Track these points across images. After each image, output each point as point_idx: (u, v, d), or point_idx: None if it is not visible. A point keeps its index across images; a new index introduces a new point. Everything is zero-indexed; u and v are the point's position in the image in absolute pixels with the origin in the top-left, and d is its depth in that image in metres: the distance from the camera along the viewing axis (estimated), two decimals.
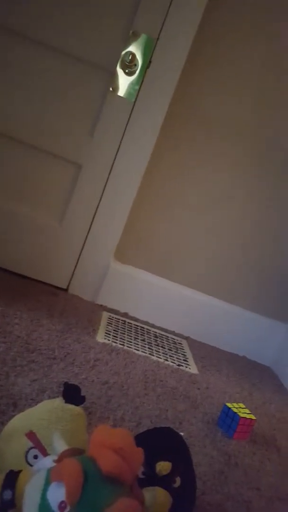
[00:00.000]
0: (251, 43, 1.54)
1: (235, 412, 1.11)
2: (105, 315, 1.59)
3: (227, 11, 1.51)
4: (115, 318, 1.60)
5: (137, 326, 1.62)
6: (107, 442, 0.44)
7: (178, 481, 0.71)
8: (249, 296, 1.75)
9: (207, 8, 1.46)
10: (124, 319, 1.63)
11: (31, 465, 0.64)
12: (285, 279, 1.75)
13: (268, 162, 1.63)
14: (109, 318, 1.58)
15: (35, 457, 0.66)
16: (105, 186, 1.58)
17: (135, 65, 1.48)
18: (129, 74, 1.49)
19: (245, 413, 1.13)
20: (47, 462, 0.48)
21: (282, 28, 1.53)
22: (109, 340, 1.38)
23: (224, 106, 1.58)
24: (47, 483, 0.43)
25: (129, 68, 1.48)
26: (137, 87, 1.50)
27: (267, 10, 1.51)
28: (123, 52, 1.47)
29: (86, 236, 1.62)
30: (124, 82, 1.50)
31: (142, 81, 1.49)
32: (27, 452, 0.66)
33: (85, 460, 0.44)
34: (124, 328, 1.54)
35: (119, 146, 1.54)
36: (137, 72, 1.49)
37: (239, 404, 1.17)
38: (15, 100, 1.51)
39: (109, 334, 1.43)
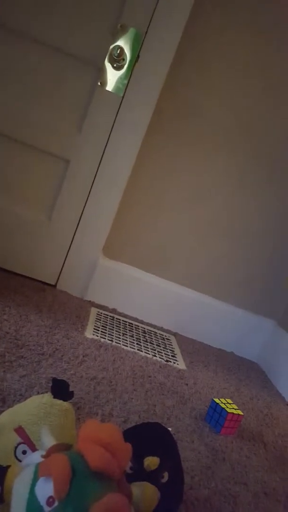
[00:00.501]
0: (239, 36, 1.54)
1: (223, 408, 1.12)
2: (93, 311, 1.59)
3: (216, 4, 1.51)
4: (104, 314, 1.60)
5: (126, 322, 1.62)
6: (95, 437, 0.44)
7: (166, 476, 0.72)
8: (237, 293, 1.77)
9: (196, 1, 1.46)
10: (112, 315, 1.63)
11: (20, 461, 0.64)
12: (272, 275, 1.76)
13: (256, 157, 1.64)
14: (97, 314, 1.58)
15: (24, 452, 0.66)
16: (93, 181, 1.57)
17: (124, 59, 1.47)
18: (118, 68, 1.48)
19: (233, 408, 1.14)
20: (35, 457, 0.48)
21: (269, 21, 1.53)
22: (97, 336, 1.38)
23: (213, 101, 1.58)
24: (35, 478, 0.43)
25: (117, 63, 1.47)
26: (125, 82, 1.49)
27: (257, 4, 1.52)
28: (111, 46, 1.46)
29: (75, 232, 1.61)
30: (112, 76, 1.49)
31: (131, 75, 1.48)
32: (16, 447, 0.66)
33: (73, 455, 0.44)
34: (113, 324, 1.54)
35: (107, 141, 1.54)
36: (126, 66, 1.48)
37: (226, 399, 1.18)
38: (1, 96, 1.49)
39: (98, 330, 1.43)
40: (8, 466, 0.52)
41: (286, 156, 1.65)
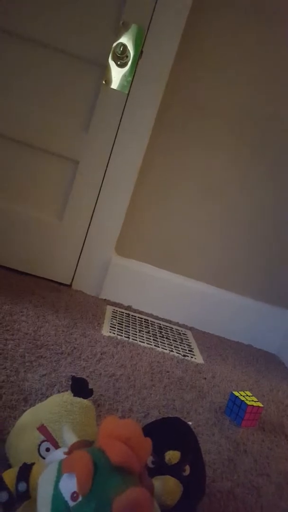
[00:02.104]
0: (243, 28, 1.52)
1: (242, 400, 1.12)
2: (109, 309, 1.60)
3: None
4: (119, 311, 1.62)
5: (141, 318, 1.63)
6: (115, 433, 0.45)
7: (187, 470, 0.72)
8: (252, 285, 1.76)
9: None
10: (128, 312, 1.64)
11: (43, 458, 0.65)
12: (287, 265, 1.75)
13: (264, 149, 1.63)
14: (113, 311, 1.59)
15: (47, 449, 0.67)
16: (102, 180, 1.58)
17: (127, 56, 1.47)
18: (121, 66, 1.48)
19: (252, 400, 1.14)
20: (58, 454, 0.50)
21: (275, 13, 1.51)
22: (114, 333, 1.39)
23: (219, 94, 1.57)
24: (59, 475, 0.44)
25: (121, 60, 1.47)
26: (130, 79, 1.49)
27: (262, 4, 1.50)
28: (114, 44, 1.46)
29: (87, 232, 1.62)
30: (116, 74, 1.49)
31: (135, 72, 1.48)
32: (39, 445, 0.67)
33: (94, 451, 0.45)
34: (129, 321, 1.55)
35: (115, 139, 1.54)
36: (129, 63, 1.48)
37: (245, 392, 1.18)
38: (7, 99, 1.51)
39: (114, 328, 1.44)
40: (33, 464, 0.53)
41: None
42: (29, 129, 1.53)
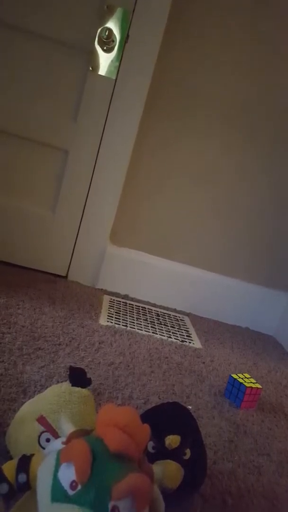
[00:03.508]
0: (232, 12, 1.49)
1: (241, 382, 1.13)
2: (106, 298, 1.60)
3: None
4: (116, 300, 1.62)
5: (139, 306, 1.63)
6: (113, 421, 0.45)
7: (188, 453, 0.73)
8: (247, 268, 1.76)
9: None
10: (125, 301, 1.64)
11: (44, 448, 0.66)
12: (281, 249, 1.75)
13: (256, 134, 1.61)
14: (110, 301, 1.59)
15: (48, 440, 0.67)
16: (93, 169, 1.56)
17: (113, 41, 1.44)
18: (108, 51, 1.45)
19: (251, 382, 1.15)
20: (57, 444, 0.50)
21: None
22: (112, 322, 1.39)
23: (209, 78, 1.55)
24: (57, 465, 0.44)
25: (107, 45, 1.45)
26: (117, 64, 1.47)
27: None
28: (99, 29, 1.43)
29: (80, 222, 1.61)
30: (103, 60, 1.46)
31: (122, 57, 1.46)
32: (40, 436, 0.67)
33: (92, 439, 0.46)
34: (126, 310, 1.56)
35: (104, 127, 1.52)
36: (116, 48, 1.45)
37: (244, 374, 1.19)
38: None
39: (112, 317, 1.44)
40: (32, 455, 0.53)
41: (285, 131, 1.61)
42: (16, 119, 1.51)
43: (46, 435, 0.67)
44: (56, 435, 0.66)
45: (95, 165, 1.56)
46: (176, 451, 0.71)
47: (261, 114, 1.59)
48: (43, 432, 0.68)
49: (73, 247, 1.64)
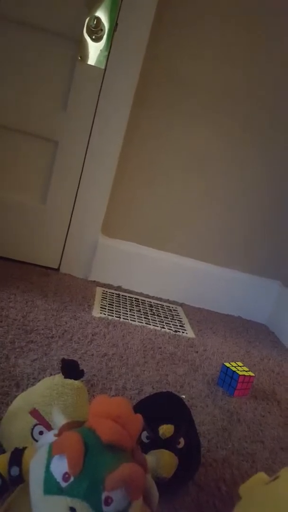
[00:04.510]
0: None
1: (234, 371, 1.14)
2: (98, 290, 1.59)
3: None
4: (109, 292, 1.61)
5: (131, 298, 1.63)
6: (105, 412, 0.45)
7: (182, 442, 0.73)
8: (239, 257, 1.76)
9: None
10: (118, 292, 1.64)
11: (37, 441, 0.66)
12: (273, 237, 1.75)
13: (249, 122, 1.60)
14: (103, 292, 1.58)
15: (41, 433, 0.67)
16: (84, 160, 1.55)
17: (102, 30, 1.42)
18: (96, 40, 1.43)
19: (244, 370, 1.16)
20: (49, 436, 0.49)
21: None
22: (105, 314, 1.39)
23: (197, 66, 1.53)
24: (49, 457, 0.44)
25: (95, 34, 1.42)
26: (106, 53, 1.44)
27: None
28: (88, 18, 1.41)
29: (71, 214, 1.60)
30: (92, 49, 1.44)
31: (111, 46, 1.43)
32: (32, 429, 0.67)
33: (84, 431, 0.45)
34: (119, 301, 1.55)
35: (94, 117, 1.50)
36: (105, 37, 1.43)
37: (237, 362, 1.20)
38: None
39: (105, 308, 1.44)
40: (25, 448, 0.53)
41: (276, 117, 1.61)
42: (4, 111, 1.48)
43: (39, 428, 0.67)
44: (49, 428, 0.66)
45: (85, 156, 1.54)
46: (170, 440, 0.71)
47: (252, 101, 1.58)
48: (36, 425, 0.67)
49: (65, 239, 1.62)
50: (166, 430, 0.71)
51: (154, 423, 0.72)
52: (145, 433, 0.72)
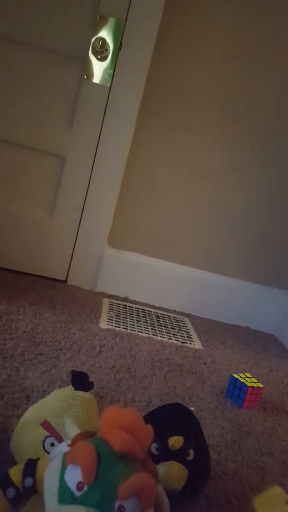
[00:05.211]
0: (221, 16, 1.51)
1: (242, 382, 1.14)
2: (105, 301, 1.60)
3: None
4: (116, 303, 1.62)
5: (138, 309, 1.64)
6: (116, 422, 0.46)
7: (191, 454, 0.74)
8: (245, 267, 1.77)
9: None
10: (124, 303, 1.65)
11: (49, 453, 0.66)
12: (280, 246, 1.76)
13: (249, 133, 1.62)
14: (110, 304, 1.59)
15: (52, 445, 0.68)
16: (91, 174, 1.58)
17: (107, 50, 1.46)
18: (102, 59, 1.47)
19: (252, 382, 1.16)
20: (62, 447, 0.50)
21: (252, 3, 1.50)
22: (112, 325, 1.40)
23: (199, 82, 1.56)
24: (63, 467, 0.45)
25: (101, 54, 1.46)
26: (111, 72, 1.48)
27: None
28: (93, 39, 1.45)
29: (78, 226, 1.62)
30: (97, 68, 1.48)
31: (115, 65, 1.47)
32: (44, 441, 0.68)
33: (97, 441, 0.46)
34: (126, 312, 1.56)
35: (100, 132, 1.53)
36: (109, 56, 1.47)
37: (245, 374, 1.20)
38: None
39: (112, 320, 1.45)
40: (38, 459, 0.54)
41: (275, 129, 1.63)
42: (13, 128, 1.52)
43: (51, 439, 0.68)
44: (60, 439, 0.67)
45: (92, 170, 1.57)
46: (179, 452, 0.72)
47: (254, 110, 1.61)
48: (47, 436, 0.68)
49: (72, 251, 1.64)
50: (175, 441, 0.71)
51: (163, 435, 0.72)
52: (154, 445, 0.72)
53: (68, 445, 0.48)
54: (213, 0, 1.49)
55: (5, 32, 1.44)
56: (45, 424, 0.68)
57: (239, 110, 1.60)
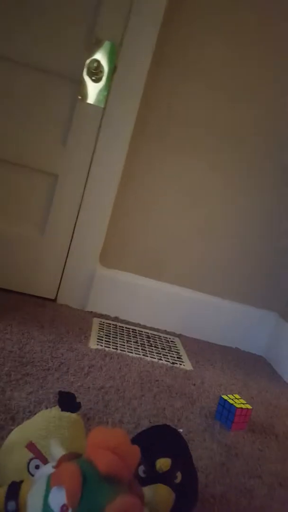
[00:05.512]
0: (214, 38, 1.57)
1: (231, 404, 1.13)
2: (95, 321, 1.60)
3: (189, 9, 1.54)
4: (106, 323, 1.62)
5: (129, 328, 1.63)
6: (102, 443, 0.46)
7: (179, 476, 0.72)
8: (237, 288, 1.78)
9: (169, 7, 1.49)
10: (115, 323, 1.64)
11: (33, 475, 0.65)
12: (270, 268, 1.78)
13: (242, 158, 1.66)
14: (100, 323, 1.59)
15: (37, 467, 0.66)
16: (83, 193, 1.59)
17: (101, 71, 1.50)
18: (96, 81, 1.51)
19: (241, 403, 1.15)
20: (47, 469, 0.49)
21: (244, 22, 1.56)
22: (101, 345, 1.39)
23: (194, 104, 1.60)
24: (47, 489, 0.44)
25: (95, 75, 1.50)
26: (105, 93, 1.51)
27: (228, 8, 1.54)
28: (88, 61, 1.49)
29: (70, 245, 1.63)
30: (92, 89, 1.51)
31: (110, 86, 1.51)
32: (29, 463, 0.66)
33: (82, 462, 0.46)
34: (116, 332, 1.55)
35: (93, 152, 1.56)
36: (104, 78, 1.50)
37: (234, 395, 1.19)
38: None
39: (101, 340, 1.44)
40: (21, 482, 0.53)
41: (272, 148, 1.67)
42: (7, 146, 1.54)
43: (36, 461, 0.66)
44: (46, 461, 0.66)
45: (84, 189, 1.59)
46: (167, 474, 0.71)
47: (245, 134, 1.65)
48: (32, 458, 0.67)
49: (62, 270, 1.64)
50: (163, 464, 0.70)
51: (151, 457, 0.71)
52: (142, 467, 0.71)
53: (54, 467, 0.47)
54: (206, 28, 1.55)
55: (1, 51, 1.47)
56: (30, 446, 0.67)
57: (232, 135, 1.64)
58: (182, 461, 0.73)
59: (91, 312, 1.67)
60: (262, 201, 1.71)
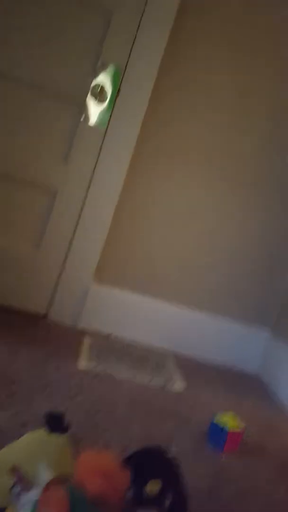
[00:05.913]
0: (216, 65, 1.61)
1: (223, 426, 1.11)
2: (87, 339, 1.57)
3: (193, 34, 1.58)
4: (97, 341, 1.59)
5: (121, 346, 1.60)
6: (92, 467, 0.44)
7: (169, 500, 0.70)
8: (231, 306, 1.77)
9: (174, 32, 1.53)
10: (106, 341, 1.61)
11: (15, 502, 0.62)
12: (263, 286, 1.78)
13: (237, 176, 1.69)
14: (91, 342, 1.56)
15: (20, 493, 0.63)
16: (81, 210, 1.60)
17: (105, 94, 1.53)
18: (100, 103, 1.54)
19: (234, 423, 1.13)
20: (32, 495, 0.47)
21: (246, 51, 1.61)
22: (92, 365, 1.36)
23: (195, 129, 1.64)
24: None
25: (99, 98, 1.54)
26: (107, 116, 1.54)
27: (234, 41, 1.60)
28: (93, 84, 1.53)
29: (65, 261, 1.61)
30: (95, 111, 1.54)
31: (113, 109, 1.53)
32: (12, 488, 0.63)
33: (71, 487, 0.43)
34: (107, 351, 1.53)
35: (94, 170, 1.57)
36: (107, 101, 1.54)
37: (227, 414, 1.16)
38: None
39: (92, 359, 1.41)
40: (5, 508, 0.50)
41: (267, 168, 1.69)
42: (8, 160, 1.54)
43: (19, 487, 0.63)
44: (29, 487, 0.63)
45: (83, 206, 1.59)
46: (157, 497, 0.68)
47: (243, 157, 1.67)
48: (15, 483, 0.64)
49: (55, 285, 1.62)
50: (153, 486, 0.68)
51: (141, 480, 0.68)
52: (132, 490, 0.68)
53: (42, 490, 0.45)
54: (209, 55, 1.60)
55: (9, 71, 1.51)
56: (14, 470, 0.64)
57: (231, 160, 1.66)
58: (173, 483, 0.71)
59: (83, 329, 1.64)
60: (258, 218, 1.73)
